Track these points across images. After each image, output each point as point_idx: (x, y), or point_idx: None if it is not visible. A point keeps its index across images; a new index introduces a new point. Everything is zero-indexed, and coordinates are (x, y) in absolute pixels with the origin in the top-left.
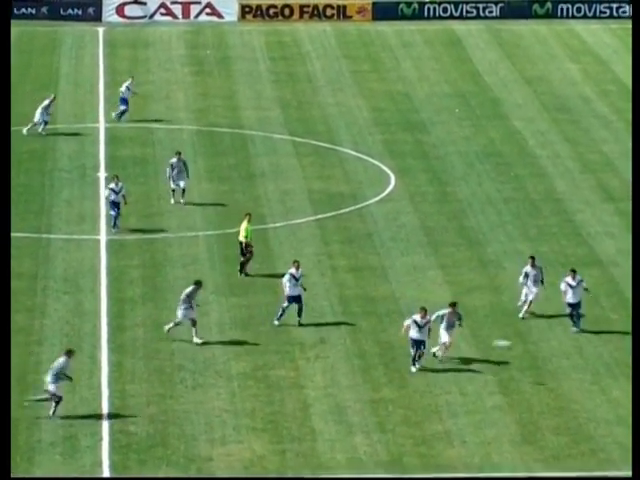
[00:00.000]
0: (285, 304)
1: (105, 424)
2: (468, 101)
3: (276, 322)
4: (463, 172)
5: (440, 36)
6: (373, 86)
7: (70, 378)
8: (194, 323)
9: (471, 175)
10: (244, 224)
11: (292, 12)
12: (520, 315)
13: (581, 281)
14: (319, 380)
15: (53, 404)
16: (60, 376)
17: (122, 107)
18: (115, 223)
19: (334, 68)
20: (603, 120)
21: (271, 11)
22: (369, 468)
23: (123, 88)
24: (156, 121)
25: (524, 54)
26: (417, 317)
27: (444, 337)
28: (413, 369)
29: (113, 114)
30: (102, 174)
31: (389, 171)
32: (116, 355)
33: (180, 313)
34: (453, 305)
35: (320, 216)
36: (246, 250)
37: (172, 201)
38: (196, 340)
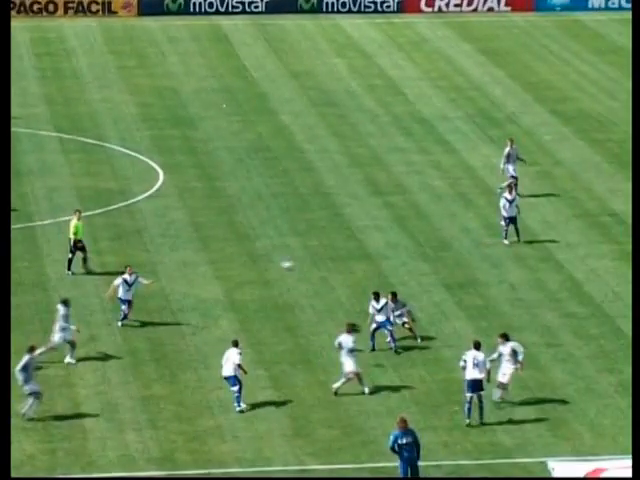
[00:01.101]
0: (123, 307)
1: None
2: (236, 96)
3: (119, 324)
4: (232, 167)
5: (206, 31)
6: (140, 82)
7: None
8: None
9: (240, 170)
10: (74, 221)
11: (56, 8)
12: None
13: (516, 196)
14: (89, 378)
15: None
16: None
17: None
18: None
19: (100, 64)
20: (369, 114)
21: (35, 7)
22: (141, 465)
23: None
24: None
25: (290, 49)
26: (373, 303)
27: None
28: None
29: None
30: None
31: (157, 167)
32: None
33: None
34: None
35: (89, 213)
36: (76, 247)
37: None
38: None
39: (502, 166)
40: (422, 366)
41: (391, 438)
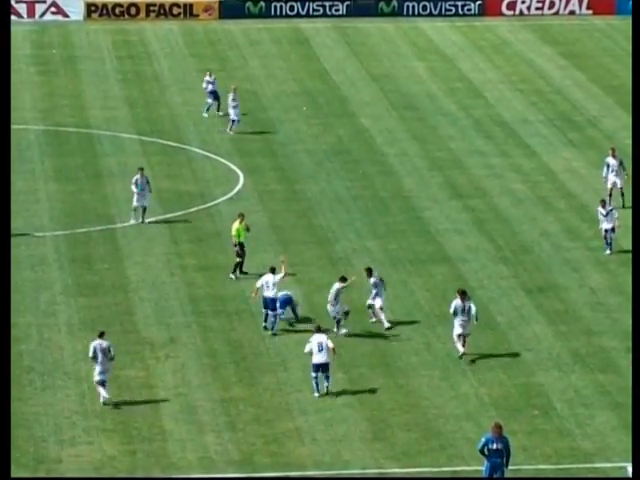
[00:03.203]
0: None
1: None
2: (316, 99)
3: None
4: (312, 170)
5: (287, 34)
6: (220, 85)
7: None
8: None
9: (320, 173)
10: (236, 224)
11: (138, 11)
12: None
13: (612, 210)
14: (169, 380)
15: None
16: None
17: (209, 100)
18: None
19: (181, 67)
20: (450, 118)
21: (117, 10)
22: (220, 467)
23: (204, 84)
24: None
25: (371, 52)
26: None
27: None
28: None
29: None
30: None
31: (237, 170)
32: None
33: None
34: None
35: (169, 215)
36: (241, 250)
37: (132, 221)
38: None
39: (604, 175)
40: (501, 370)
41: (482, 440)
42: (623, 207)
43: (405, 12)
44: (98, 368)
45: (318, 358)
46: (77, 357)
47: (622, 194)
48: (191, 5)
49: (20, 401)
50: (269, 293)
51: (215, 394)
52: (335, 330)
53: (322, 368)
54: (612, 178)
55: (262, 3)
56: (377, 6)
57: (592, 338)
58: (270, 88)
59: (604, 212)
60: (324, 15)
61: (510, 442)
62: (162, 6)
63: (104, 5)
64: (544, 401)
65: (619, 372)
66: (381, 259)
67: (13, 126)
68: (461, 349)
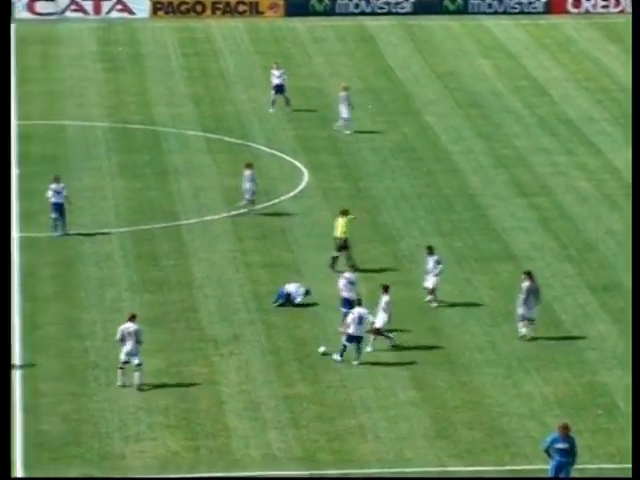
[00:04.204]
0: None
1: (18, 423)
2: (381, 97)
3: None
4: (377, 168)
5: (352, 32)
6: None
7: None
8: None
9: (385, 171)
10: (340, 220)
11: (204, 8)
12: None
13: None
14: (233, 377)
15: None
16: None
17: (272, 93)
18: (55, 226)
19: (247, 64)
20: (515, 115)
21: (183, 7)
22: (283, 464)
23: (271, 77)
24: (67, 118)
25: (436, 50)
26: None
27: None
28: None
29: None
30: (14, 171)
31: (302, 167)
32: (29, 353)
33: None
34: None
35: (233, 213)
36: (342, 246)
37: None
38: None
39: None
40: (566, 368)
41: (548, 440)
42: None
43: (470, 10)
44: (124, 349)
45: (355, 330)
46: (142, 353)
47: None
48: (257, 3)
49: (85, 397)
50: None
51: (278, 391)
52: (389, 338)
53: (357, 340)
54: None
55: (327, 1)
56: (442, 4)
57: None
58: (335, 86)
59: None
60: (389, 13)
61: (576, 442)
62: (228, 4)
63: (170, 2)
64: (608, 400)
65: None
66: (446, 257)
67: (80, 123)
68: (522, 331)
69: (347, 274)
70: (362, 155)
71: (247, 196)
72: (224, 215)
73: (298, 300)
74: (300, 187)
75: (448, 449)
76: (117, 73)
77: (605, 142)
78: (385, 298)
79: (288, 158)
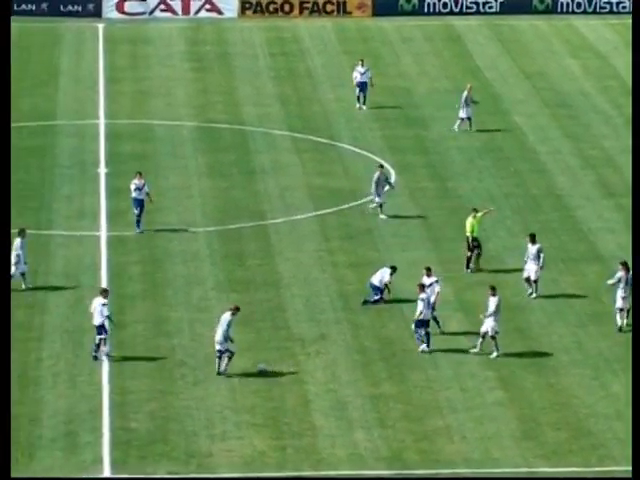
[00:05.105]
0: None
1: (105, 420)
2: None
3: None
4: (463, 168)
5: (440, 32)
6: (373, 81)
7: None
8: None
9: (472, 170)
10: (470, 219)
11: (292, 8)
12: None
13: None
14: (319, 376)
15: (226, 359)
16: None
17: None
18: (137, 222)
19: (334, 64)
20: (603, 116)
21: (271, 7)
22: (370, 464)
23: (354, 73)
24: (156, 117)
25: (524, 50)
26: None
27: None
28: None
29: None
30: (102, 170)
31: (389, 167)
32: (117, 351)
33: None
34: None
35: (320, 212)
36: (473, 245)
37: (382, 216)
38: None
39: None
40: None
41: None
42: None
43: (559, 9)
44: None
45: (425, 315)
46: None
47: None
48: (345, 2)
49: (172, 395)
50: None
51: (365, 390)
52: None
53: (425, 324)
54: None
55: (415, 0)
56: (531, 3)
57: None
58: (422, 85)
59: None
60: (477, 12)
61: None
62: (315, 3)
63: (258, 2)
64: None
65: None
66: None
67: (168, 122)
68: (619, 322)
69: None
70: (449, 155)
71: (377, 199)
72: (317, 214)
73: (387, 279)
74: (387, 187)
75: (535, 450)
76: (205, 73)
77: None
78: (493, 300)
79: (375, 158)
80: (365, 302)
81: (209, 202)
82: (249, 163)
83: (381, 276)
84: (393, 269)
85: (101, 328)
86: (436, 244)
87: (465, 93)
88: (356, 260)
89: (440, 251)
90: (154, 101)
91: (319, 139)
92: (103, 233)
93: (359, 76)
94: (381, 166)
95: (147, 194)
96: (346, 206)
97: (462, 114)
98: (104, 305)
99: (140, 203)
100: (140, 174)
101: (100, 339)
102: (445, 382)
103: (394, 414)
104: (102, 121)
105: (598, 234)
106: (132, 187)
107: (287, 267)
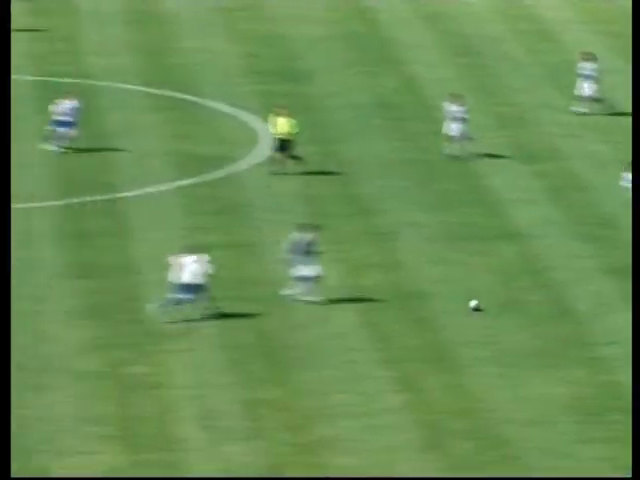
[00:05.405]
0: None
1: None
2: (358, 44)
3: None
4: (350, 128)
5: None
6: (244, 27)
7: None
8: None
9: (360, 132)
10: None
11: None
12: None
13: None
14: (183, 378)
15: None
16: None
17: None
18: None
19: (195, 5)
20: (516, 64)
21: None
22: None
23: None
24: None
25: None
26: None
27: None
28: None
29: None
30: None
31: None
32: None
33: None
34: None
35: (183, 182)
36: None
37: None
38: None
39: None
40: (579, 366)
41: None
42: None
43: None
44: None
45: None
46: (74, 351)
47: None
48: None
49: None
50: None
51: (239, 395)
52: None
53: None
54: None
55: None
56: None
57: None
58: (302, 30)
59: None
60: None
61: None
62: None
63: None
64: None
65: None
66: (440, 233)
67: None
68: None
69: None
70: (336, 114)
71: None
72: (180, 184)
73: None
74: (260, 151)
75: (438, 462)
76: (43, 17)
77: None
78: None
79: (248, 117)
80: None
81: (48, 172)
82: (96, 124)
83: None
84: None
85: None
86: (321, 220)
87: (586, 64)
88: (229, 240)
89: (326, 229)
90: None
91: (181, 95)
92: None
93: None
94: None
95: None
96: (214, 176)
97: (587, 91)
98: None
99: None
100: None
101: None
102: (334, 384)
103: (273, 423)
104: (10, 82)
105: (513, 206)
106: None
107: (143, 249)
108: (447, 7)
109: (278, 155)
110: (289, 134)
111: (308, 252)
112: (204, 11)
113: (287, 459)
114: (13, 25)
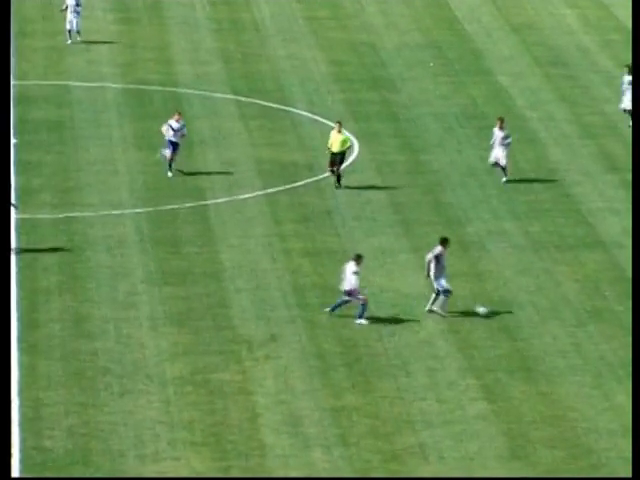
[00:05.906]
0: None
1: (15, 438)
2: (445, 53)
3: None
4: (440, 137)
5: None
6: (332, 35)
7: None
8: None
9: (449, 141)
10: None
11: None
12: None
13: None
14: (270, 385)
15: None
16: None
17: None
18: (170, 166)
19: (285, 14)
20: (605, 75)
21: None
22: None
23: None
24: (73, 78)
25: None
26: None
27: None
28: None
29: None
30: (11, 140)
31: (352, 137)
32: (28, 356)
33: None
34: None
35: (270, 190)
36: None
37: None
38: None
39: None
40: None
41: None
42: None
43: None
44: None
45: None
46: (161, 357)
47: None
48: None
49: (95, 408)
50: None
51: (323, 402)
52: None
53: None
54: None
55: None
56: None
57: None
58: (390, 40)
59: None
60: None
61: None
62: None
63: None
64: None
65: None
66: (522, 244)
67: (89, 84)
68: None
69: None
70: (422, 122)
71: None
72: (267, 192)
73: (354, 270)
74: (349, 160)
75: (525, 471)
76: (132, 25)
77: None
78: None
79: (334, 126)
80: (334, 309)
81: (137, 179)
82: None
83: (349, 276)
84: (358, 258)
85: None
86: (407, 228)
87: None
88: (313, 247)
89: (412, 237)
90: (71, 59)
91: (268, 103)
92: (12, 215)
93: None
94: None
95: (183, 136)
96: (301, 183)
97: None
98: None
99: (176, 146)
100: (179, 113)
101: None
102: (419, 392)
103: (358, 430)
104: (10, 82)
105: (599, 215)
106: (164, 127)
107: (231, 255)
108: (536, 18)
109: (329, 169)
110: (340, 149)
111: (442, 266)
112: (292, 19)
113: (371, 466)
114: (104, 35)
